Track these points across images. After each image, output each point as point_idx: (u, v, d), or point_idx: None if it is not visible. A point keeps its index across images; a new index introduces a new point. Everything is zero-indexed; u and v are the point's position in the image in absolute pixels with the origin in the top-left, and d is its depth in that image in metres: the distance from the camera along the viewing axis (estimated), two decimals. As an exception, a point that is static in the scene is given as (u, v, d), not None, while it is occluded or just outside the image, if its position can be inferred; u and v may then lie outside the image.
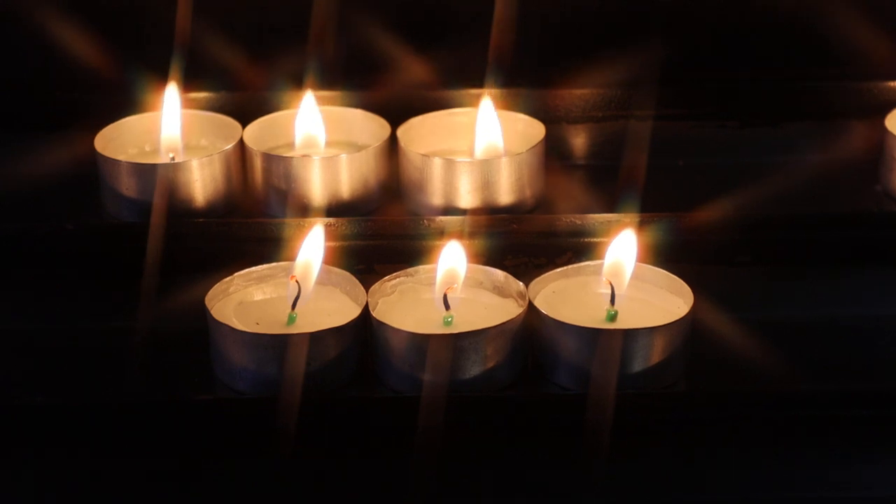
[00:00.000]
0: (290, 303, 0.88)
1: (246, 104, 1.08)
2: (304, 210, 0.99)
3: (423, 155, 1.00)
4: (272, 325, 0.88)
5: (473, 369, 0.86)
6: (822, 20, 1.09)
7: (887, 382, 0.89)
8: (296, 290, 0.88)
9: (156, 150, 1.04)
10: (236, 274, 0.91)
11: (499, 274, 0.91)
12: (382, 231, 0.98)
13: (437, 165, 0.99)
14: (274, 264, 0.92)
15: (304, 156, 1.01)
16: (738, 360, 0.90)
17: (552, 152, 1.04)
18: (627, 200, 1.00)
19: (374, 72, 1.09)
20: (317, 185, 1.00)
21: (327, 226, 0.97)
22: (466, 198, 0.99)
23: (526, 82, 1.09)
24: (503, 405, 0.86)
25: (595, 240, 0.97)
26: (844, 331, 0.93)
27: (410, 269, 0.91)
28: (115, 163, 0.99)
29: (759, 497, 0.83)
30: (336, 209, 1.00)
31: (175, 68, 1.04)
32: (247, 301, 0.91)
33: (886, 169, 1.03)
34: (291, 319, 0.88)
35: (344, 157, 1.00)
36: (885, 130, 1.03)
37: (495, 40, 1.06)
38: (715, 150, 1.09)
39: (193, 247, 0.98)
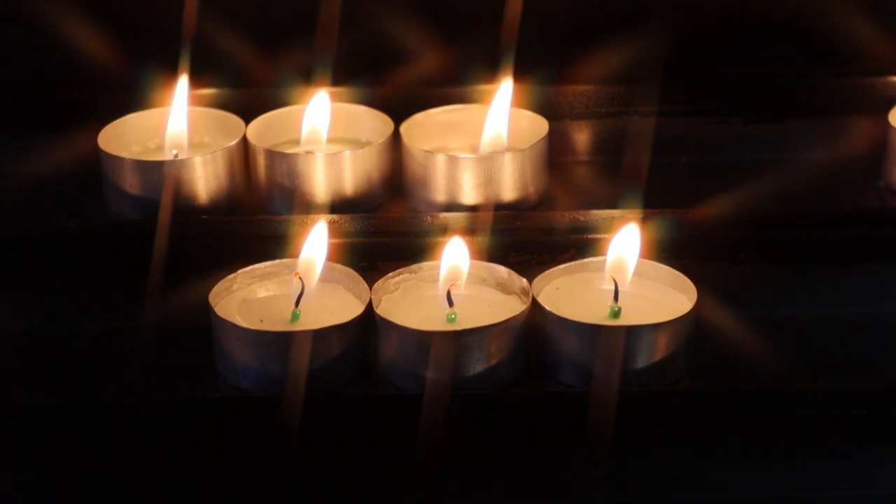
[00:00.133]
0: (294, 300, 0.88)
1: (249, 101, 1.07)
2: (308, 207, 0.99)
3: (427, 151, 1.00)
4: (276, 322, 0.88)
5: (477, 366, 0.86)
6: (824, 17, 1.09)
7: (888, 381, 0.89)
8: (299, 287, 0.88)
9: (159, 148, 1.04)
10: (240, 271, 0.91)
11: (502, 270, 0.91)
12: (386, 228, 0.98)
13: (440, 162, 0.99)
14: (277, 261, 0.92)
15: (307, 152, 1.01)
16: (741, 357, 0.90)
17: (555, 148, 1.04)
18: (630, 197, 1.00)
19: (378, 68, 1.09)
20: (320, 182, 1.00)
21: (331, 223, 0.96)
22: (470, 194, 0.99)
23: (529, 79, 1.08)
24: (506, 403, 0.86)
25: (598, 236, 0.97)
26: (846, 328, 0.93)
27: (414, 266, 0.91)
28: (119, 160, 0.99)
29: (759, 496, 0.83)
30: (339, 206, 1.00)
31: (181, 65, 1.04)
32: (250, 298, 0.91)
33: (889, 165, 1.03)
34: (295, 317, 0.88)
35: (347, 153, 1.00)
36: (888, 126, 1.03)
37: (500, 37, 1.06)
38: (718, 146, 1.09)
39: (197, 244, 0.98)
